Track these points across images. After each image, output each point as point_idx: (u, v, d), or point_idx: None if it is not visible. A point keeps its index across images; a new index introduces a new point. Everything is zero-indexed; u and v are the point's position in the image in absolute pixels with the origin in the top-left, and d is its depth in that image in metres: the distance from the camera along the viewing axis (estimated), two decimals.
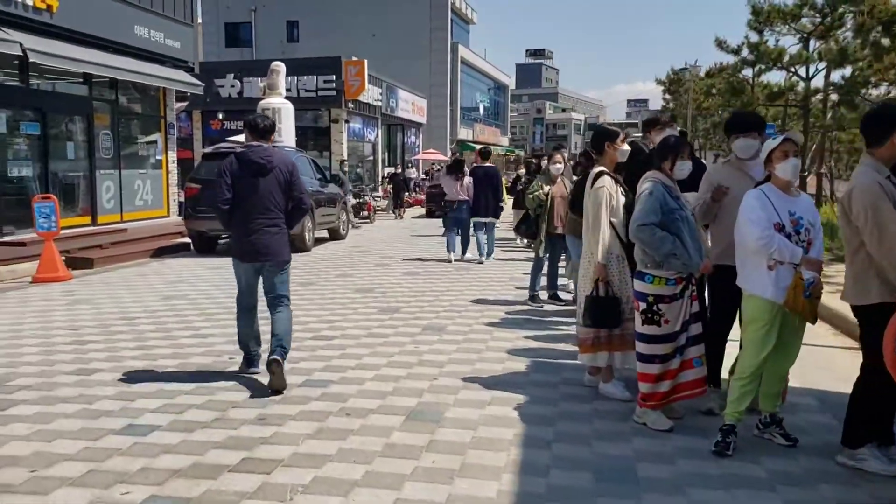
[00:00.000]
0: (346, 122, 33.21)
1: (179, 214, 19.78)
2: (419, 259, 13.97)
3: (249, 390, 5.74)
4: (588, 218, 5.77)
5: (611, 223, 5.64)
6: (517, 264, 13.31)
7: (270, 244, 5.91)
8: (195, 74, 20.37)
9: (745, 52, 30.62)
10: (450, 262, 13.61)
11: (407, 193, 30.04)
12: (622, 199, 5.69)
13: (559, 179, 9.50)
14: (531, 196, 9.24)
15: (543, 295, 9.68)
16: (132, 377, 6.12)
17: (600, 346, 5.71)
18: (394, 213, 26.87)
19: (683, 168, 5.04)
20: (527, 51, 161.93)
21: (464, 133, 55.80)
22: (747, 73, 33.59)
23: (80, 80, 16.20)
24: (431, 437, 4.73)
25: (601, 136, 5.88)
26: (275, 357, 5.71)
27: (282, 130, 19.46)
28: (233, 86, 31.90)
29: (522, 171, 16.75)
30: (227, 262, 14.06)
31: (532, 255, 13.81)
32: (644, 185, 4.99)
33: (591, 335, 5.72)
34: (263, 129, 6.08)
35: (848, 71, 22.92)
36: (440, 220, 19.53)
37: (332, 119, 32.75)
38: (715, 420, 5.11)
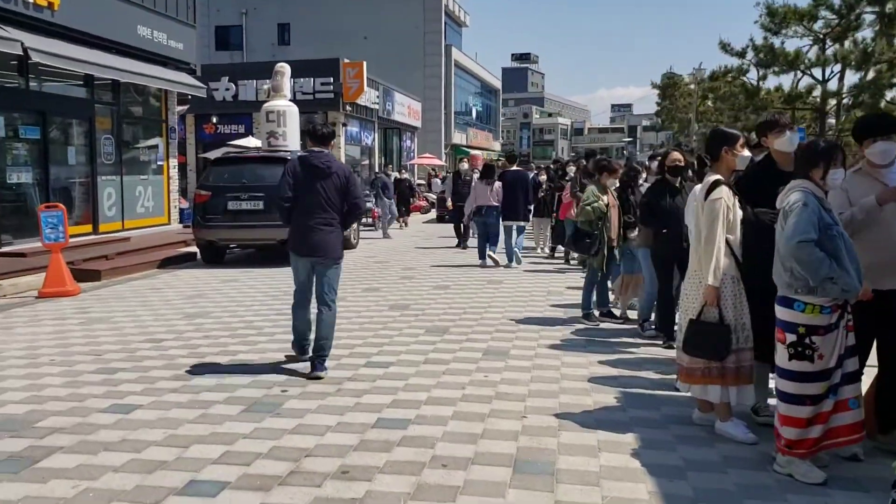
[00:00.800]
0: (344, 125, 32.46)
1: (180, 221, 18.99)
2: (441, 267, 13.25)
3: (317, 433, 5.01)
4: (699, 233, 5.08)
5: (727, 241, 4.97)
6: (548, 276, 12.64)
7: (324, 241, 6.41)
8: (197, 77, 19.58)
9: (749, 55, 30.35)
10: (483, 267, 13.63)
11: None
12: (739, 213, 5.02)
13: (610, 189, 8.84)
14: (590, 207, 8.52)
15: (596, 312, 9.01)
16: (177, 415, 5.37)
17: (712, 379, 5.02)
18: (398, 220, 26.01)
19: (837, 177, 4.37)
20: (513, 55, 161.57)
21: (457, 137, 55.15)
22: (751, 76, 33.21)
23: (81, 82, 15.39)
24: (554, 496, 4.02)
25: (718, 139, 5.19)
26: (315, 372, 6.35)
27: (286, 133, 18.77)
28: (227, 89, 31.06)
29: (543, 177, 16.06)
30: (241, 273, 13.63)
31: (563, 266, 13.53)
32: (792, 196, 4.31)
33: (701, 365, 5.04)
34: (322, 136, 6.63)
35: (861, 74, 22.51)
36: (451, 227, 18.75)
37: (329, 122, 31.98)
38: (863, 468, 4.46)
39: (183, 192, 21.88)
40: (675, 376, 6.29)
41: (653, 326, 7.99)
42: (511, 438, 4.88)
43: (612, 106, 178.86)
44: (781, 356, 4.36)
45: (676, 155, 7.64)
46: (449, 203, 19.18)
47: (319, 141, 6.58)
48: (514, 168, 14.78)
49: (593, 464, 4.48)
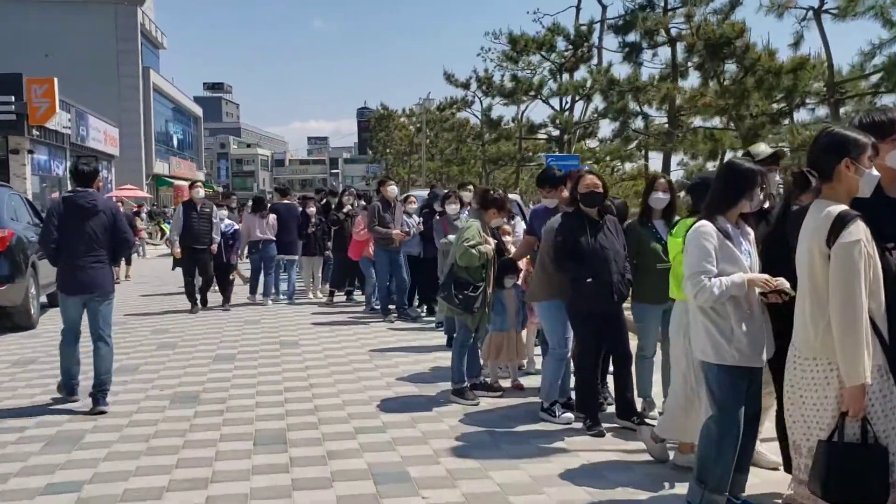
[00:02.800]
0: (30, 152, 27.23)
1: None
2: (200, 320, 10.30)
3: None
4: (814, 293, 3.20)
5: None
6: (351, 330, 10.31)
7: (95, 278, 6.46)
8: None
9: (473, 86, 30.37)
10: (265, 304, 12.85)
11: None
12: (879, 267, 3.21)
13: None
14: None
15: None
16: None
17: None
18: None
19: None
20: (204, 84, 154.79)
21: (160, 167, 50.27)
22: (476, 107, 33.38)
23: None
24: None
25: (835, 146, 3.29)
26: (98, 406, 6.32)
27: None
28: None
29: (312, 209, 13.62)
30: None
31: (359, 314, 10.78)
32: None
33: None
34: (85, 175, 6.59)
35: (597, 103, 22.90)
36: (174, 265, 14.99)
37: (11, 149, 26.61)
38: None
39: None
40: (668, 487, 4.46)
41: (561, 406, 6.04)
42: None
43: (309, 139, 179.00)
44: None
45: (592, 179, 5.78)
46: (177, 250, 12.49)
47: (83, 180, 6.61)
48: (286, 201, 13.68)
49: None
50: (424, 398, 6.72)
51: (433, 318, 10.77)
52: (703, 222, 4.02)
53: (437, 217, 10.16)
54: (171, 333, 10.24)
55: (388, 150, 52.13)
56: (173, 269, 14.15)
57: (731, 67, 13.82)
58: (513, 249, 7.26)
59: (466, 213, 9.42)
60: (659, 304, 5.65)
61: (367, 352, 8.83)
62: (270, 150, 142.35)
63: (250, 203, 13.73)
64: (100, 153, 36.50)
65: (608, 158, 22.28)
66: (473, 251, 6.35)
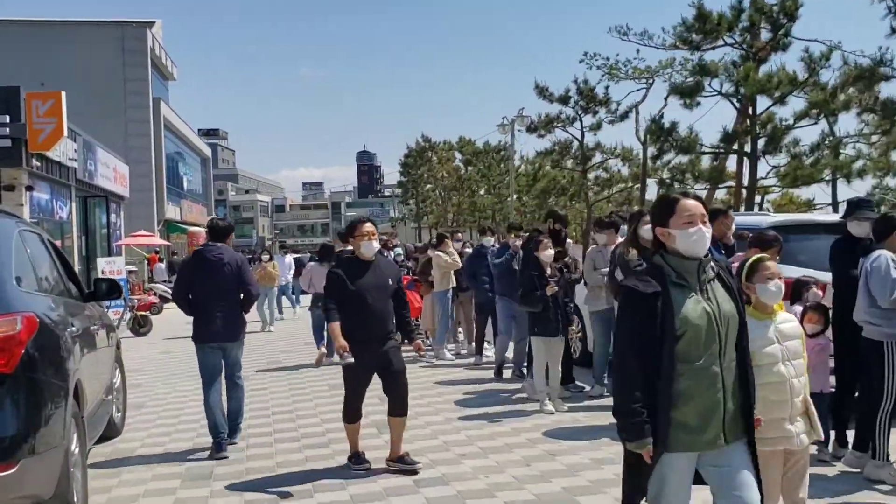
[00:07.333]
0: (29, 189, 20.99)
1: None
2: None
3: None
4: None
5: None
6: None
7: (226, 325, 6.75)
8: None
9: (574, 97, 24.72)
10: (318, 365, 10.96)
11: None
12: None
13: None
14: None
15: None
16: None
17: None
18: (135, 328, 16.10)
19: None
20: (199, 130, 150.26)
21: (171, 211, 44.06)
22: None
23: None
24: None
25: None
26: (231, 440, 6.87)
27: None
28: None
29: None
30: None
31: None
32: None
33: None
34: (219, 230, 7.08)
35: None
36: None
37: (5, 185, 20.39)
38: None
39: None
40: None
41: None
42: None
43: (304, 184, 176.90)
44: None
45: None
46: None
47: (216, 235, 7.03)
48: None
49: None
50: None
51: None
52: None
53: None
54: None
55: (428, 187, 46.16)
56: None
57: None
58: None
59: None
60: None
61: None
62: (270, 196, 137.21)
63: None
64: (110, 193, 30.41)
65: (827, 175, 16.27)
66: None
